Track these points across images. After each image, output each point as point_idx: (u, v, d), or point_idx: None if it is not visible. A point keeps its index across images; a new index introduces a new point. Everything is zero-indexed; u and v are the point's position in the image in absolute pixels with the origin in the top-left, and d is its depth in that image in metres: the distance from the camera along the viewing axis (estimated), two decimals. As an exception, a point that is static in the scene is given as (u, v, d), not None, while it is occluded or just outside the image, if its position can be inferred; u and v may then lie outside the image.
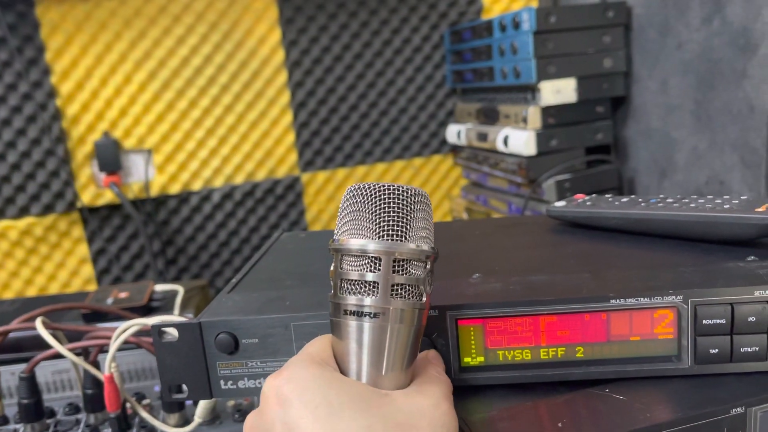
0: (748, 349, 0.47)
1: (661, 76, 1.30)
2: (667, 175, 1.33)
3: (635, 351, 0.48)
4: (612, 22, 1.33)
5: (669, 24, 1.26)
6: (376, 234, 0.40)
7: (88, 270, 1.49)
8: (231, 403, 0.78)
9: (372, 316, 0.40)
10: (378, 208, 0.41)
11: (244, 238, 1.58)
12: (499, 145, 1.40)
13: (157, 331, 0.50)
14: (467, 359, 0.49)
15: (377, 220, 0.40)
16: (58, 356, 0.74)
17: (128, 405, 0.76)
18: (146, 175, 1.48)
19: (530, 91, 1.34)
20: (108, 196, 1.45)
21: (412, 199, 0.41)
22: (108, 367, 0.71)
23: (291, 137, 1.56)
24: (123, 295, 1.09)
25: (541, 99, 1.31)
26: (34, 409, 0.74)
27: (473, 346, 0.49)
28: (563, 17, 1.29)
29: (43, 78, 1.38)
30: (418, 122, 1.64)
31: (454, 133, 1.60)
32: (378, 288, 0.40)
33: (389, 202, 0.41)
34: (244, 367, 0.50)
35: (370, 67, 1.58)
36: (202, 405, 0.73)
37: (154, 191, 1.49)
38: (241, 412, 0.75)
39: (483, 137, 1.47)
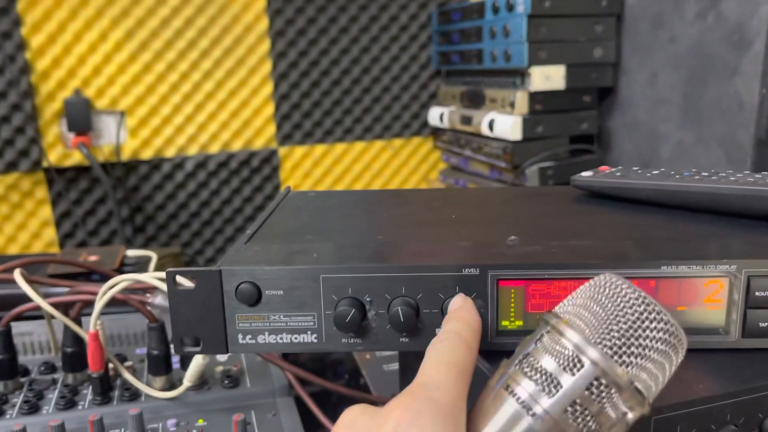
0: (798, 324, 0.45)
1: (651, 68, 1.30)
2: (650, 167, 1.33)
3: (681, 321, 0.46)
4: (605, 11, 1.33)
5: (663, 17, 1.26)
6: (599, 335, 0.34)
7: (50, 233, 1.41)
8: (219, 368, 0.74)
9: (528, 411, 0.34)
10: (615, 313, 0.35)
11: (216, 210, 1.52)
12: (484, 129, 1.38)
13: (172, 278, 0.46)
14: (505, 322, 0.46)
15: (608, 321, 0.34)
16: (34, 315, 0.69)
17: (110, 366, 0.71)
18: (118, 138, 1.41)
19: (519, 75, 1.33)
20: (76, 158, 1.38)
21: (667, 334, 0.35)
22: (93, 324, 0.66)
23: (270, 109, 1.51)
24: (93, 258, 1.04)
25: (530, 84, 1.30)
26: (8, 365, 0.69)
27: (512, 310, 0.46)
28: (558, 3, 1.28)
29: (13, 28, 1.30)
30: (401, 102, 1.61)
31: (437, 115, 1.57)
32: (556, 389, 0.33)
33: (641, 320, 0.35)
34: (266, 320, 0.47)
35: (355, 42, 1.54)
36: (193, 368, 0.69)
37: (125, 155, 1.42)
38: (231, 378, 0.71)
39: (467, 120, 1.45)
